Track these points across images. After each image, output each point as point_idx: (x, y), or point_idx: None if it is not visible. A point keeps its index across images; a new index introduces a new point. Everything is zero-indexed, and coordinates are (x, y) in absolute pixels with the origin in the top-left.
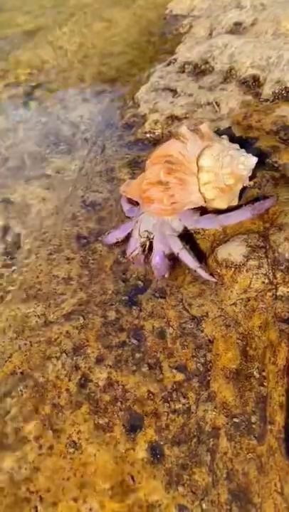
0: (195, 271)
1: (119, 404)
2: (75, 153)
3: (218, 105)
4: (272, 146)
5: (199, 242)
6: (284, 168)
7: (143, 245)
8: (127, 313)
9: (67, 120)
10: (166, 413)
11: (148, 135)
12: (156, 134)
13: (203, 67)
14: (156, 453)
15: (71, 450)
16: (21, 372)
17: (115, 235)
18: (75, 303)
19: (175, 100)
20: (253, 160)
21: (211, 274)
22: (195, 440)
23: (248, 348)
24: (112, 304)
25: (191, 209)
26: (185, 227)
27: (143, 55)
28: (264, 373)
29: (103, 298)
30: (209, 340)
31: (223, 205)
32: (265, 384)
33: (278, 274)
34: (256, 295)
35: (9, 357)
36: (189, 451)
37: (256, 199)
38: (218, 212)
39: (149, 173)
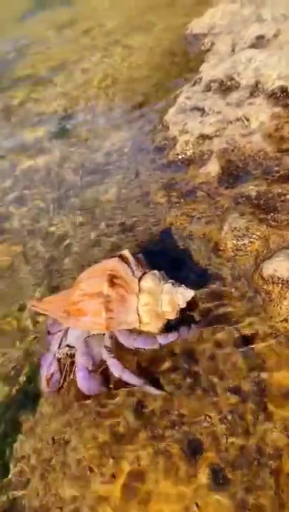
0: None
1: (177, 428)
2: (110, 180)
3: (247, 120)
4: None
5: (242, 259)
6: None
7: (60, 363)
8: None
9: (99, 149)
10: (224, 436)
11: (180, 156)
12: (188, 154)
13: (229, 83)
14: (218, 477)
15: (133, 478)
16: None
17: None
18: None
19: (204, 119)
20: (191, 293)
21: (162, 388)
22: (256, 463)
23: None
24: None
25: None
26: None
27: (168, 77)
28: None
29: None
30: (262, 359)
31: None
32: None
33: None
34: None
35: None
36: (252, 473)
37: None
38: None
39: (85, 286)
